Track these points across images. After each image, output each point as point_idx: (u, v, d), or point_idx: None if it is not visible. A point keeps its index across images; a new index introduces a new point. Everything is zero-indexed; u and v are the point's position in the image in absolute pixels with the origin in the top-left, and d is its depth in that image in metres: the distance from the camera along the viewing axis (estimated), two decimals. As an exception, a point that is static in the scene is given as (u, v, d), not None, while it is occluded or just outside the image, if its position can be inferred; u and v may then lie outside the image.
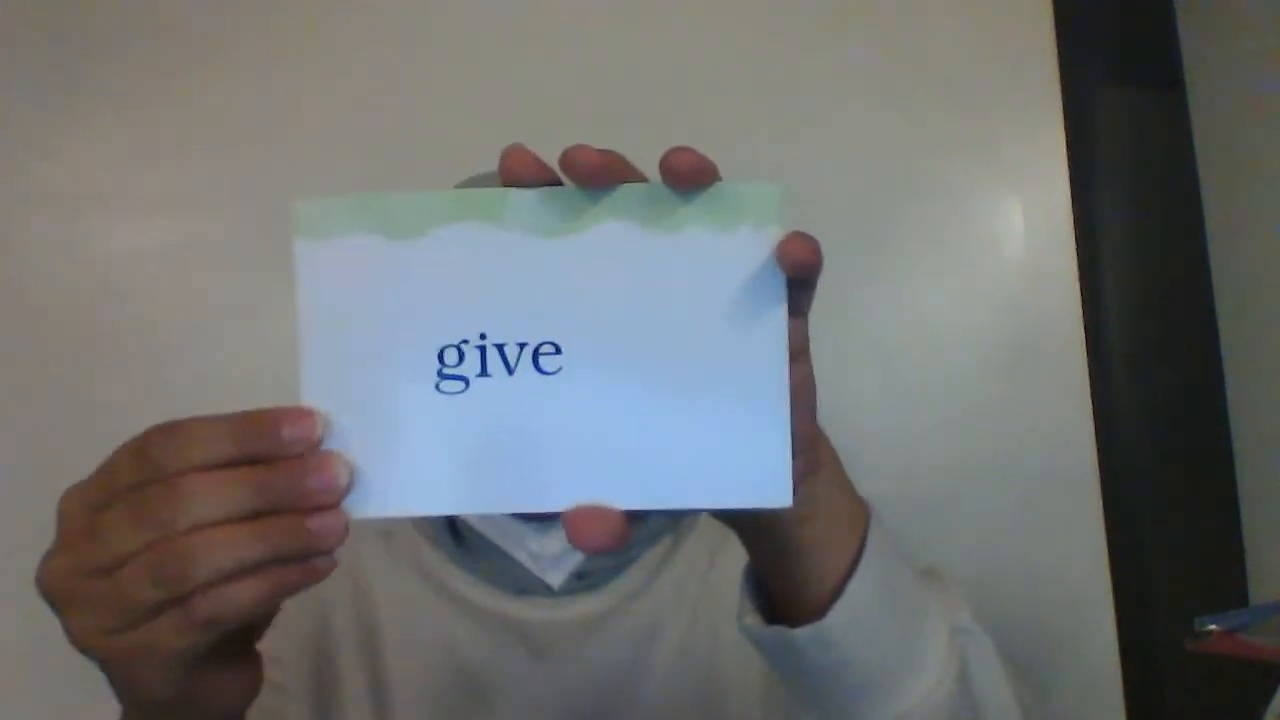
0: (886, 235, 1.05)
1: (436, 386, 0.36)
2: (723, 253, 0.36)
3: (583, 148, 0.35)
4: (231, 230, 1.04)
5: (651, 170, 0.36)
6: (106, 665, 0.37)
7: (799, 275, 0.36)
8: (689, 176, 0.35)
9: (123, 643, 0.35)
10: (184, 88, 1.05)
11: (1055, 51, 1.08)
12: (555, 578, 0.73)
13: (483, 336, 0.36)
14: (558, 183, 0.36)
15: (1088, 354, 1.04)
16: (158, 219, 1.04)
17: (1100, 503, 1.02)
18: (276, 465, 0.35)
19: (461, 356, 0.36)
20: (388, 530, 0.81)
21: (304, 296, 0.37)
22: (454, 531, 0.77)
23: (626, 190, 0.36)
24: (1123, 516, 1.02)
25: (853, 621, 0.42)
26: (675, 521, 0.78)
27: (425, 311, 0.36)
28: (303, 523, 0.34)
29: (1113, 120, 1.07)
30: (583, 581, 0.73)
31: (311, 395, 0.36)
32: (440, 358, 0.36)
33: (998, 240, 1.06)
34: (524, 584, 0.73)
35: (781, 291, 0.36)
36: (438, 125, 1.04)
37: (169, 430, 0.36)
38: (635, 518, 0.36)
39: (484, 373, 0.36)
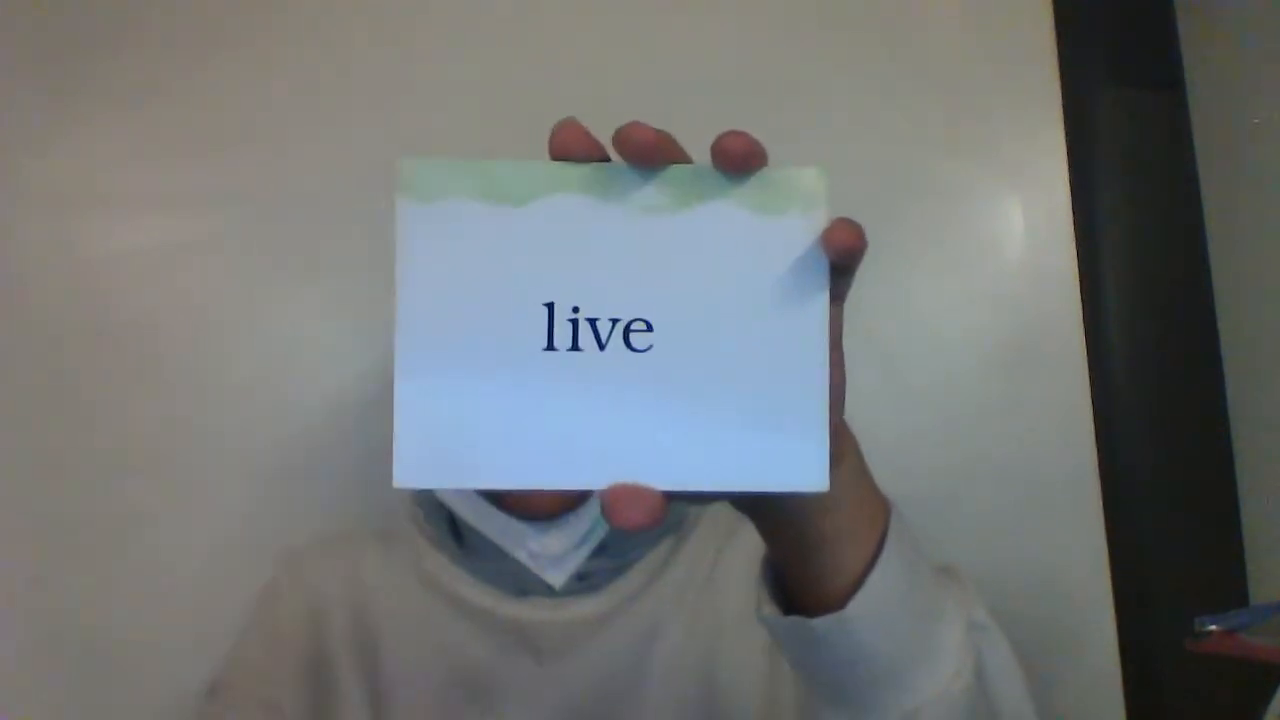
0: (886, 235, 1.04)
1: (527, 357, 0.36)
2: (768, 237, 0.36)
3: (639, 125, 0.35)
4: (231, 230, 1.03)
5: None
6: None
7: (843, 261, 0.37)
8: (741, 160, 0.36)
9: None
10: (184, 88, 1.05)
11: (1055, 51, 1.08)
12: (556, 578, 0.73)
13: (565, 309, 0.36)
14: (607, 159, 0.36)
15: (1088, 354, 1.04)
16: (157, 219, 1.04)
17: (1100, 503, 1.02)
18: None
19: (548, 328, 0.36)
20: (386, 532, 0.80)
21: (403, 257, 0.36)
22: (454, 532, 0.77)
23: (691, 171, 0.36)
24: (1123, 516, 1.02)
25: (872, 613, 0.42)
26: (678, 523, 0.78)
27: (518, 281, 0.36)
28: None
29: (1113, 120, 1.07)
30: (584, 582, 0.73)
31: (403, 357, 0.36)
32: (524, 329, 0.36)
33: (998, 240, 1.06)
34: (525, 585, 0.73)
35: (825, 277, 0.36)
36: (438, 125, 1.04)
37: None
38: (677, 502, 0.36)
39: (559, 346, 0.36)
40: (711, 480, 0.36)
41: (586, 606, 0.72)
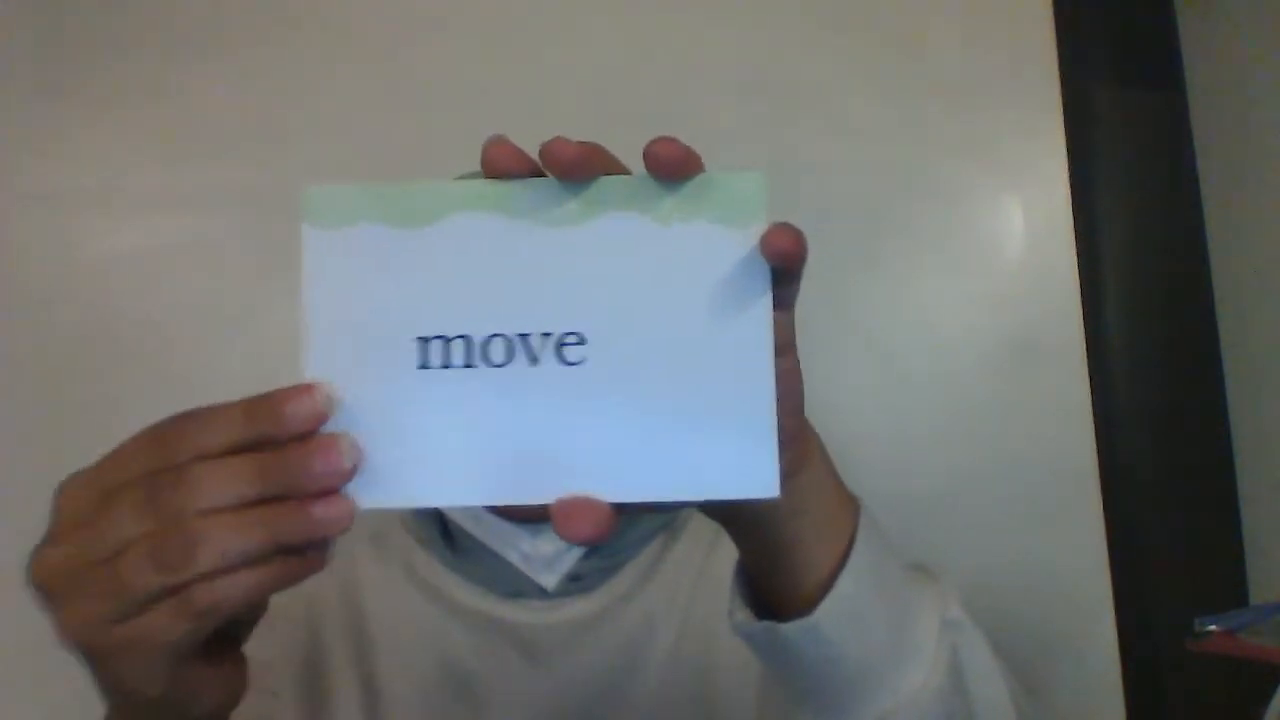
0: (886, 235, 1.05)
1: (438, 376, 0.36)
2: (708, 243, 0.36)
3: (560, 140, 0.35)
4: (231, 230, 1.04)
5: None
6: (96, 659, 0.37)
7: (783, 266, 0.36)
8: (673, 167, 0.36)
9: (115, 634, 0.35)
10: (184, 88, 1.05)
11: (1055, 51, 1.08)
12: (548, 579, 0.73)
13: (486, 326, 0.36)
14: (540, 174, 0.36)
15: (1088, 354, 1.04)
16: (157, 219, 1.04)
17: (1100, 503, 1.02)
18: (283, 448, 0.35)
19: (467, 347, 0.36)
20: (378, 533, 0.80)
21: (309, 283, 0.37)
22: (446, 534, 0.77)
23: (618, 182, 0.36)
24: (1123, 516, 1.02)
25: (843, 615, 0.42)
26: (669, 521, 0.78)
27: (430, 301, 0.36)
28: (307, 508, 0.34)
29: (1113, 120, 1.07)
30: (576, 583, 0.73)
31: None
32: (443, 347, 0.36)
33: (998, 240, 1.06)
34: (517, 586, 0.73)
35: (766, 283, 0.36)
36: (438, 125, 1.04)
37: (180, 419, 0.36)
38: (629, 514, 0.36)
39: (485, 363, 0.36)
40: (661, 490, 0.36)
41: (579, 607, 0.72)
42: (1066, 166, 1.06)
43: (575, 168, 0.35)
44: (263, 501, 0.34)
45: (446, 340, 0.36)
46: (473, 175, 0.38)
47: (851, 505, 0.45)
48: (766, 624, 0.43)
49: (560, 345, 0.36)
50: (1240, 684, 0.71)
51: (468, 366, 0.36)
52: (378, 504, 0.35)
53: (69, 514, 0.37)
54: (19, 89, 1.04)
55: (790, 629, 0.42)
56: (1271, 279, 1.00)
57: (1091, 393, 1.03)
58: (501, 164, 0.36)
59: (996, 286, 1.05)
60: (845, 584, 0.42)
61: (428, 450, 0.35)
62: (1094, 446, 1.02)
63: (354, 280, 0.36)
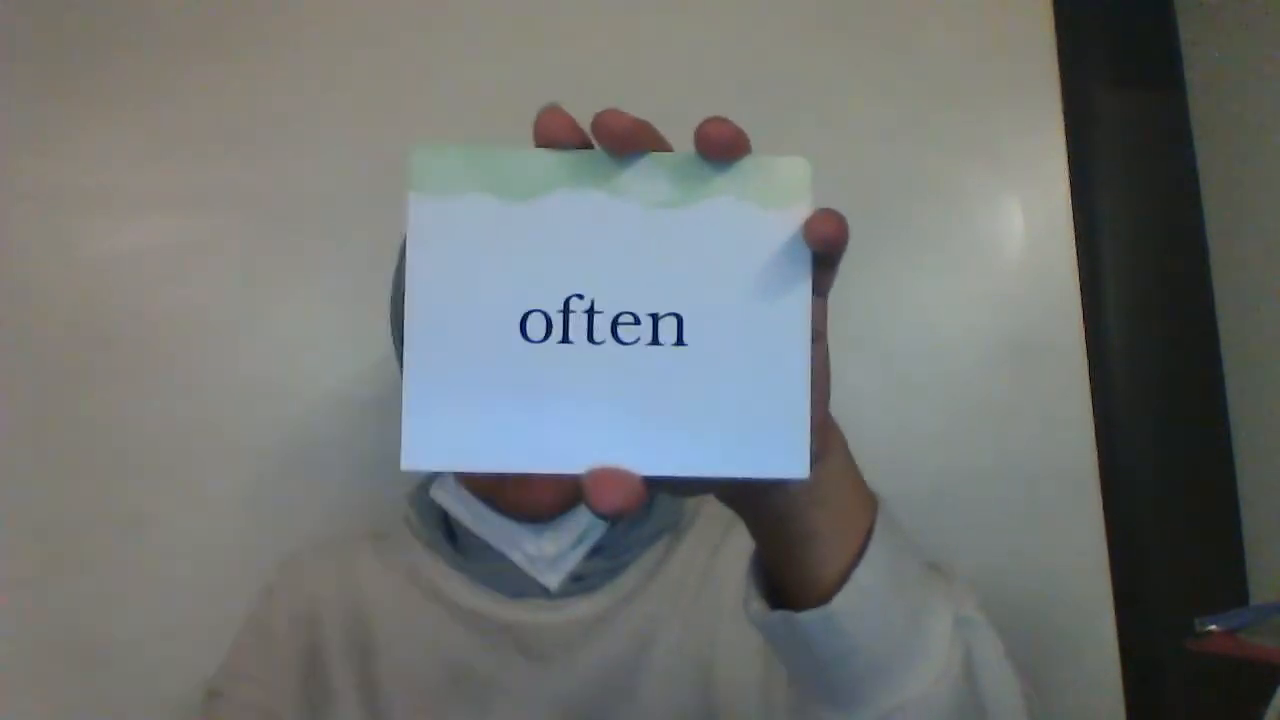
0: (886, 235, 1.05)
1: (523, 348, 0.37)
2: (752, 225, 0.37)
3: (614, 112, 0.36)
4: (231, 230, 1.03)
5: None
6: None
7: (826, 251, 0.37)
8: (723, 147, 0.36)
9: None
10: (184, 88, 1.05)
11: (1055, 51, 1.08)
12: (552, 580, 0.73)
13: (571, 303, 0.37)
14: (589, 146, 0.37)
15: (1088, 354, 1.04)
16: (157, 219, 1.04)
17: (1100, 503, 1.02)
18: None
19: (549, 322, 0.37)
20: (381, 534, 0.80)
21: (415, 252, 0.37)
22: (450, 534, 0.77)
23: (666, 159, 0.37)
24: (1123, 516, 1.02)
25: (858, 607, 0.42)
26: (673, 523, 0.78)
27: (526, 273, 0.37)
28: None
29: (1113, 120, 1.07)
30: (579, 584, 0.73)
31: (413, 347, 0.37)
32: (542, 320, 0.37)
33: (998, 240, 1.06)
34: (520, 587, 0.73)
35: (807, 267, 0.37)
36: (438, 125, 1.04)
37: None
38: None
39: (556, 338, 0.37)
40: (691, 466, 0.36)
41: (582, 608, 0.72)
42: (1066, 166, 1.06)
43: (627, 141, 0.36)
44: None
45: (540, 312, 0.37)
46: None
47: (870, 500, 0.45)
48: (783, 613, 0.43)
49: (617, 324, 0.37)
50: (1240, 684, 0.71)
51: (543, 341, 0.37)
52: (428, 466, 0.37)
53: None
54: (19, 89, 1.04)
55: (806, 618, 0.42)
56: (1271, 279, 1.00)
57: (1091, 393, 1.03)
58: (554, 133, 0.37)
59: (996, 286, 1.05)
60: (862, 576, 0.43)
61: (488, 417, 0.36)
62: (1094, 446, 1.02)
63: (458, 250, 0.37)
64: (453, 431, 0.36)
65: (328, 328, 1.02)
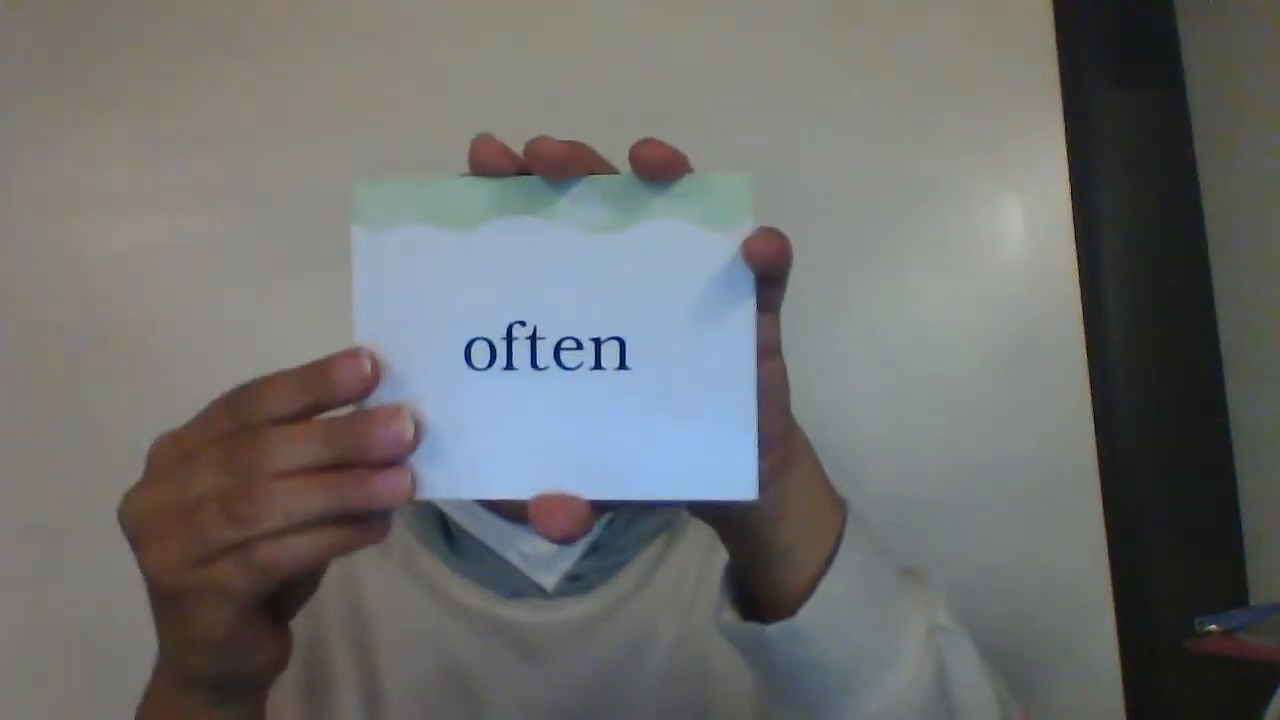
0: (886, 235, 1.05)
1: (467, 377, 0.37)
2: (692, 247, 0.36)
3: (546, 139, 0.35)
4: (231, 230, 1.04)
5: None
6: (171, 598, 0.39)
7: (767, 272, 0.36)
8: (658, 169, 0.36)
9: (189, 578, 0.37)
10: (184, 88, 1.05)
11: (1055, 51, 1.08)
12: (548, 579, 0.73)
13: (513, 329, 0.37)
14: (526, 173, 0.37)
15: (1088, 354, 1.04)
16: (158, 219, 1.04)
17: (1100, 503, 1.02)
18: (349, 415, 0.37)
19: (491, 348, 0.37)
20: None
21: (360, 284, 0.38)
22: (447, 533, 0.77)
23: (604, 181, 0.36)
24: (1123, 516, 1.02)
25: (826, 618, 0.42)
26: (670, 522, 0.78)
27: (469, 302, 0.37)
28: (370, 477, 0.36)
29: (1113, 120, 1.07)
30: (576, 583, 0.73)
31: None
32: (470, 349, 0.37)
33: (998, 240, 1.06)
34: (517, 586, 0.73)
35: (749, 287, 0.36)
36: (439, 125, 1.04)
37: (253, 384, 0.38)
38: (626, 513, 0.36)
39: (500, 365, 0.37)
40: (639, 490, 0.36)
41: (579, 607, 0.72)
42: (1066, 166, 1.06)
43: (561, 166, 0.36)
44: (333, 469, 0.36)
45: (484, 340, 0.37)
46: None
47: (838, 507, 0.45)
48: (751, 625, 0.44)
49: (559, 349, 0.37)
50: (1240, 684, 0.70)
51: (486, 369, 0.37)
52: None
53: (157, 465, 0.39)
54: (19, 89, 1.04)
55: (773, 631, 0.42)
56: (1271, 279, 1.00)
57: (1091, 393, 1.03)
58: (488, 161, 0.36)
59: (996, 286, 1.05)
60: (828, 587, 0.42)
61: (437, 444, 0.37)
62: (1094, 446, 1.02)
63: (401, 281, 0.37)
64: (428, 464, 0.36)
65: (328, 328, 1.02)
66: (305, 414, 0.37)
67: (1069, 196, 1.06)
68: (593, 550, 0.74)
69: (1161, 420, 1.04)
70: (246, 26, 1.07)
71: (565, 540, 0.35)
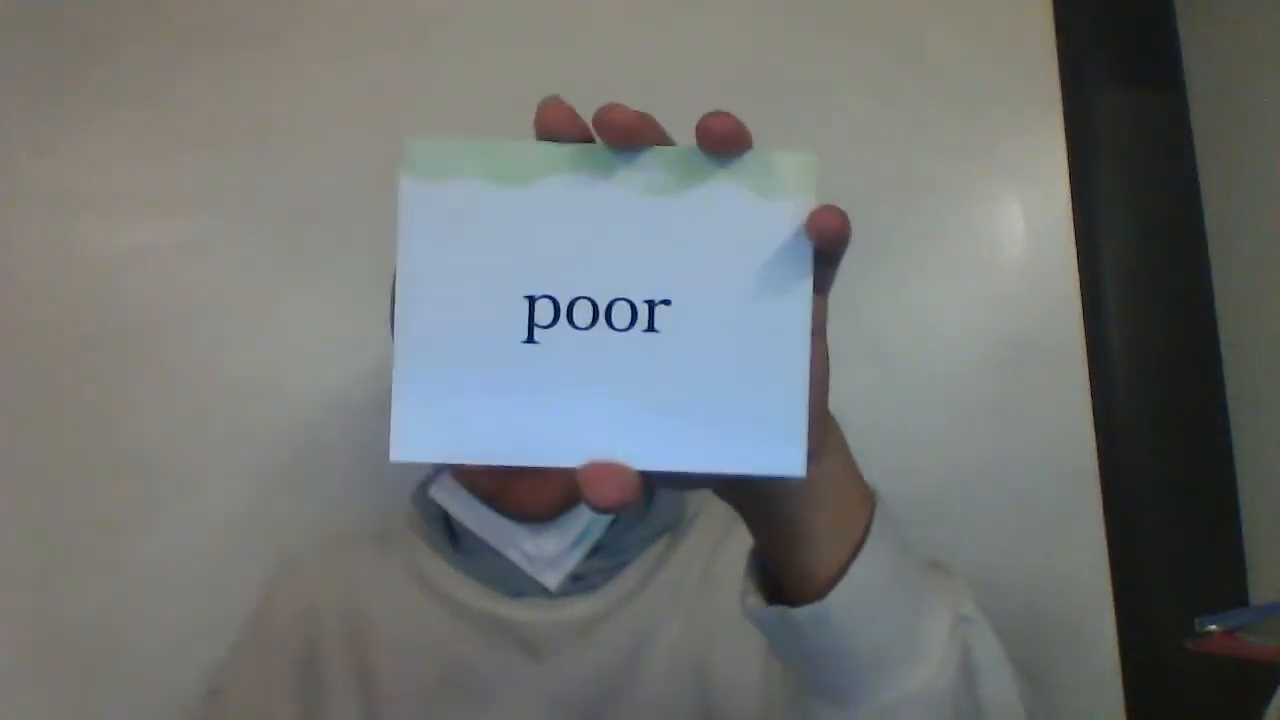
0: (886, 235, 1.05)
1: (518, 337, 0.36)
2: (753, 215, 0.36)
3: (617, 106, 0.35)
4: (232, 230, 1.04)
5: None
6: None
7: (828, 247, 0.36)
8: (724, 141, 0.35)
9: None
10: (184, 88, 1.05)
11: (1055, 51, 1.08)
12: (551, 579, 0.73)
13: (571, 288, 0.36)
14: (590, 139, 0.36)
15: (1088, 354, 1.04)
16: (157, 219, 1.04)
17: (1100, 503, 1.02)
18: None
19: (554, 307, 0.36)
20: (382, 533, 0.80)
21: (406, 236, 0.36)
22: (450, 533, 0.77)
23: (668, 153, 0.36)
24: (1123, 516, 1.02)
25: (855, 603, 0.42)
26: (673, 523, 0.78)
27: (522, 260, 0.36)
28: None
29: (1113, 120, 1.07)
30: (579, 583, 0.73)
31: (403, 335, 0.36)
32: (530, 308, 0.36)
33: (998, 240, 1.06)
34: (520, 586, 0.73)
35: (808, 263, 0.36)
36: (438, 125, 1.04)
37: None
38: (650, 488, 0.36)
39: (551, 326, 0.36)
40: (688, 461, 0.36)
41: (582, 607, 0.72)
42: (1066, 166, 1.06)
43: (629, 135, 0.35)
44: None
45: (525, 302, 0.36)
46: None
47: (868, 495, 0.45)
48: (779, 609, 0.43)
49: (610, 312, 0.36)
50: (1240, 684, 0.70)
51: (538, 330, 0.36)
52: (419, 458, 0.36)
53: None
54: (19, 89, 1.04)
55: (801, 614, 0.42)
56: (1271, 279, 1.00)
57: (1091, 393, 1.03)
58: (555, 125, 0.36)
59: (996, 286, 1.05)
60: (858, 573, 0.42)
61: (482, 407, 0.36)
62: (1094, 446, 1.02)
63: (448, 234, 0.36)
64: (443, 423, 0.35)
65: (328, 328, 1.02)
66: None
67: (1069, 196, 1.06)
68: (596, 550, 0.74)
69: (1161, 420, 1.04)
70: (247, 26, 1.07)
71: (614, 509, 0.34)
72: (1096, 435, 1.02)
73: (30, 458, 0.98)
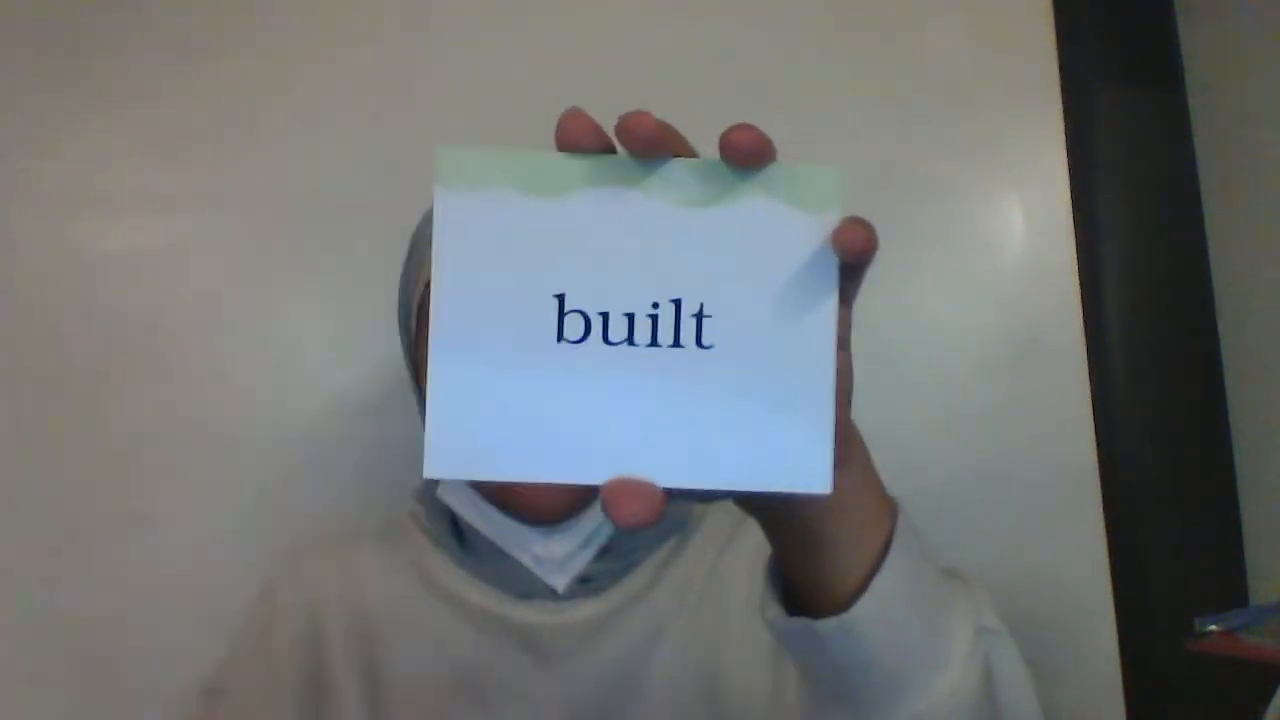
0: (886, 235, 1.03)
1: (550, 352, 0.36)
2: (781, 228, 0.36)
3: (640, 114, 0.35)
4: (231, 230, 1.03)
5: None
6: None
7: (854, 261, 0.36)
8: (749, 154, 0.35)
9: None
10: (183, 88, 1.05)
11: (1055, 51, 1.08)
12: (559, 581, 0.73)
13: (596, 304, 0.36)
14: (612, 150, 0.36)
15: (1088, 354, 1.04)
16: (157, 219, 1.04)
17: (1100, 503, 1.02)
18: None
19: (573, 321, 0.36)
20: (387, 532, 0.80)
21: (441, 246, 0.36)
22: (458, 534, 0.77)
23: (691, 164, 0.36)
24: (1123, 517, 1.02)
25: (878, 615, 0.42)
26: (682, 525, 0.77)
27: (553, 274, 0.36)
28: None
29: (1113, 120, 1.07)
30: (587, 585, 0.73)
31: (438, 348, 0.35)
32: (559, 322, 0.36)
33: (998, 240, 1.06)
34: (528, 588, 0.73)
35: (834, 277, 0.36)
36: (439, 124, 1.04)
37: None
38: (674, 501, 0.36)
39: (581, 340, 0.35)
40: (714, 479, 0.35)
41: (589, 609, 0.72)
42: (1066, 166, 1.06)
43: (651, 143, 0.35)
44: None
45: (565, 314, 0.36)
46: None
47: (889, 506, 0.45)
48: (802, 620, 0.43)
49: (633, 325, 0.36)
50: (1240, 684, 0.70)
51: (569, 344, 0.35)
52: (457, 475, 0.36)
53: None
54: (19, 89, 1.04)
55: (825, 625, 0.42)
56: (1271, 279, 1.00)
57: (1091, 393, 1.03)
58: (577, 136, 0.36)
59: (996, 286, 1.05)
60: (881, 584, 0.42)
61: (513, 423, 0.35)
62: (1094, 446, 1.02)
63: (482, 245, 0.36)
64: (476, 439, 0.35)
65: (328, 327, 1.02)
66: None
67: (1069, 196, 1.06)
68: (604, 552, 0.74)
69: (1161, 420, 1.04)
70: (246, 27, 1.07)
71: (637, 527, 0.34)
72: (1096, 435, 1.02)
73: (30, 458, 0.98)
